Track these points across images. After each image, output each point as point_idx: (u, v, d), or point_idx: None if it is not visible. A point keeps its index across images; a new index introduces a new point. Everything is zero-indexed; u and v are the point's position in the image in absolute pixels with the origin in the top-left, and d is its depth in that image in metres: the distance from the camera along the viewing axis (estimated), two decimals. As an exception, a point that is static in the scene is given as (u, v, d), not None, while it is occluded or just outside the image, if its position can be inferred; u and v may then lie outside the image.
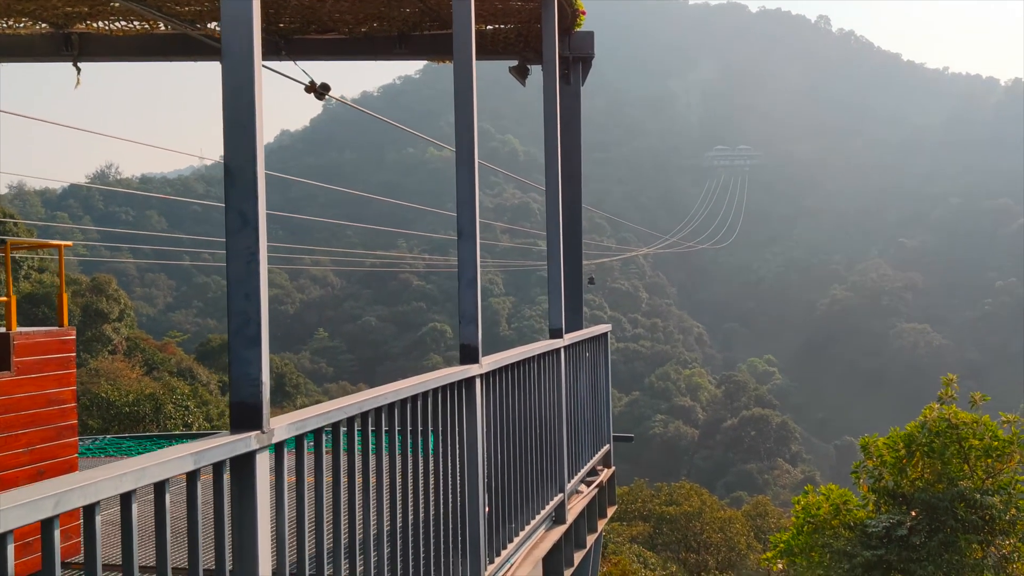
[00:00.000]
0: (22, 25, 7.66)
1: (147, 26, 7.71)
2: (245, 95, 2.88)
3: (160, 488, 2.48)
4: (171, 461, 2.47)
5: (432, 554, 4.37)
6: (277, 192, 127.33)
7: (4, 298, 5.62)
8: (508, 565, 5.66)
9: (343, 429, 3.48)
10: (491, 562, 5.22)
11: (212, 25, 7.68)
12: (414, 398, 4.16)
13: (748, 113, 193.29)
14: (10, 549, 1.98)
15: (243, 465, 2.82)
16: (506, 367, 5.51)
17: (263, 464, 2.88)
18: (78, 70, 8.01)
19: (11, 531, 1.95)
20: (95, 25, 7.68)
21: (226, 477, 2.79)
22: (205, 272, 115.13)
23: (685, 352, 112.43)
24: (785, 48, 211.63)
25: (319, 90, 7.87)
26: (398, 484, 4.01)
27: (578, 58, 8.24)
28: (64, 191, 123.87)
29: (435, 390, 4.41)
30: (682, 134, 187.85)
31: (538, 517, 6.26)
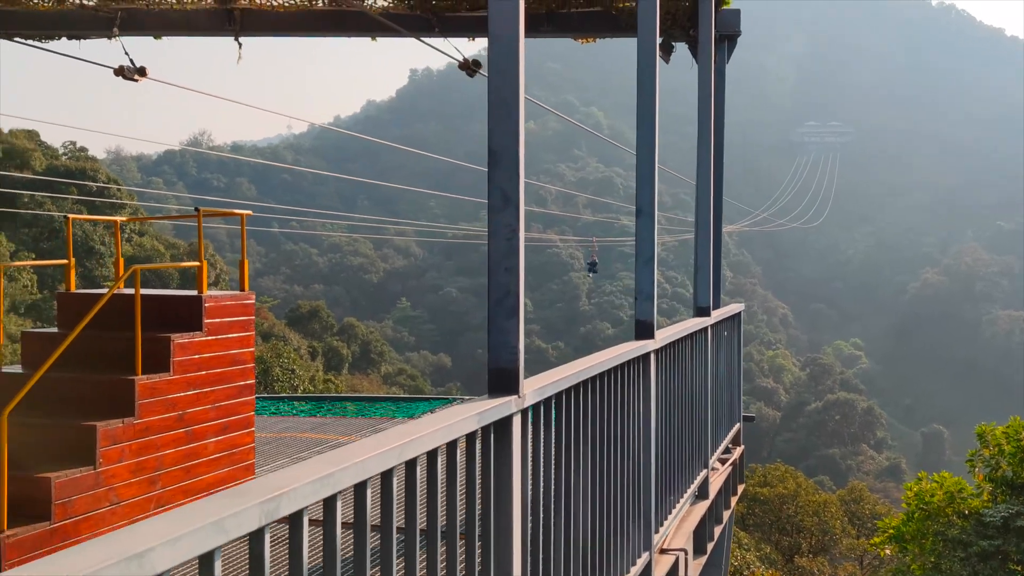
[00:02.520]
0: (190, 1, 8.01)
1: (306, 2, 7.98)
2: (511, 78, 3.05)
3: (452, 446, 2.68)
4: (461, 421, 2.67)
5: (615, 520, 4.54)
6: (364, 163, 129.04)
7: (197, 263, 5.96)
8: (665, 536, 5.82)
9: (562, 398, 3.66)
10: (655, 531, 5.38)
11: (368, 1, 7.91)
12: (610, 371, 4.32)
13: (841, 88, 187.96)
14: (367, 493, 2.19)
15: (502, 427, 3.01)
16: (671, 344, 5.64)
17: (518, 426, 3.08)
18: (239, 45, 8.34)
19: (365, 481, 2.16)
20: (257, 1, 7.98)
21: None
22: (293, 240, 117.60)
23: (769, 333, 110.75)
24: (881, 20, 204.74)
25: (471, 67, 8.05)
26: (594, 453, 4.18)
27: (724, 36, 8.24)
28: (159, 157, 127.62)
29: (622, 364, 4.56)
30: (771, 109, 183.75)
31: (689, 491, 6.40)
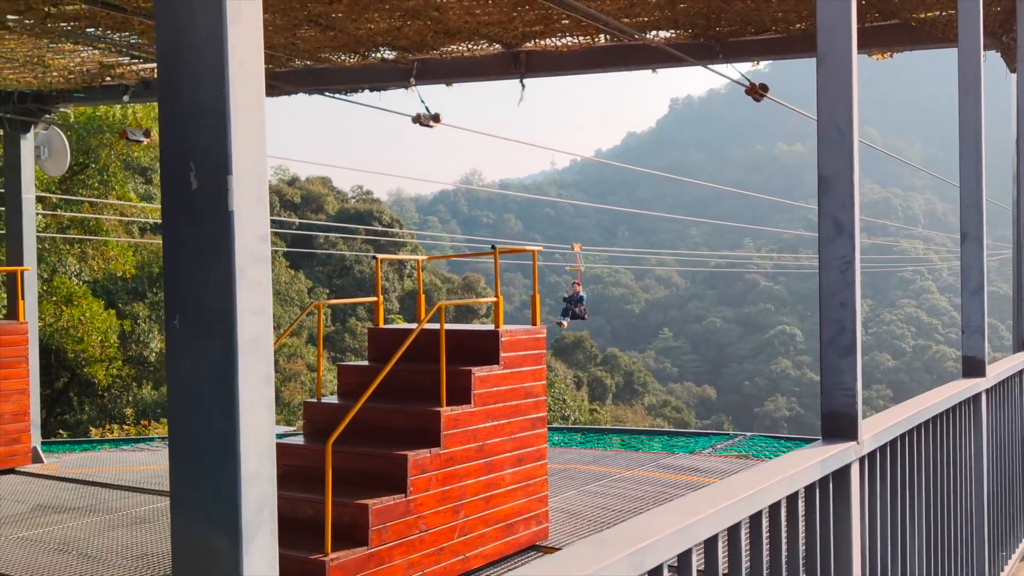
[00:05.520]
0: (479, 47, 8.39)
1: (588, 40, 8.10)
2: (843, 102, 2.85)
3: (793, 498, 2.51)
4: (803, 471, 2.49)
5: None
6: (624, 194, 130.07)
7: (493, 299, 6.15)
8: (998, 596, 5.21)
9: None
10: (988, 592, 4.82)
11: (651, 35, 7.89)
12: (941, 414, 3.93)
13: None
14: (719, 546, 2.07)
15: (840, 476, 2.79)
16: (1002, 382, 5.07)
17: (856, 474, 2.84)
18: (523, 87, 8.62)
19: (716, 534, 2.04)
20: (542, 43, 8.21)
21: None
22: (556, 272, 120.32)
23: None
24: None
25: (759, 91, 7.82)
26: (924, 504, 3.81)
27: (1042, 40, 7.41)
28: (434, 197, 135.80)
29: (953, 407, 4.13)
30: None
31: (1021, 546, 5.71)
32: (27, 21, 7.51)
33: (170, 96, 1.05)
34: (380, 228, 52.42)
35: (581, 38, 8.05)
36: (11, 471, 9.60)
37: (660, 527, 1.83)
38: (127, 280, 24.18)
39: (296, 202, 52.20)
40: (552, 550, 6.21)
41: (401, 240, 55.13)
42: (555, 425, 14.28)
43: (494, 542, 5.82)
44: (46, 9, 7.25)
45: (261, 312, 1.07)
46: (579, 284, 15.76)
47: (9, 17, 7.38)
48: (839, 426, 2.83)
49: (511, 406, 6.04)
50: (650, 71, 8.76)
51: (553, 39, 8.07)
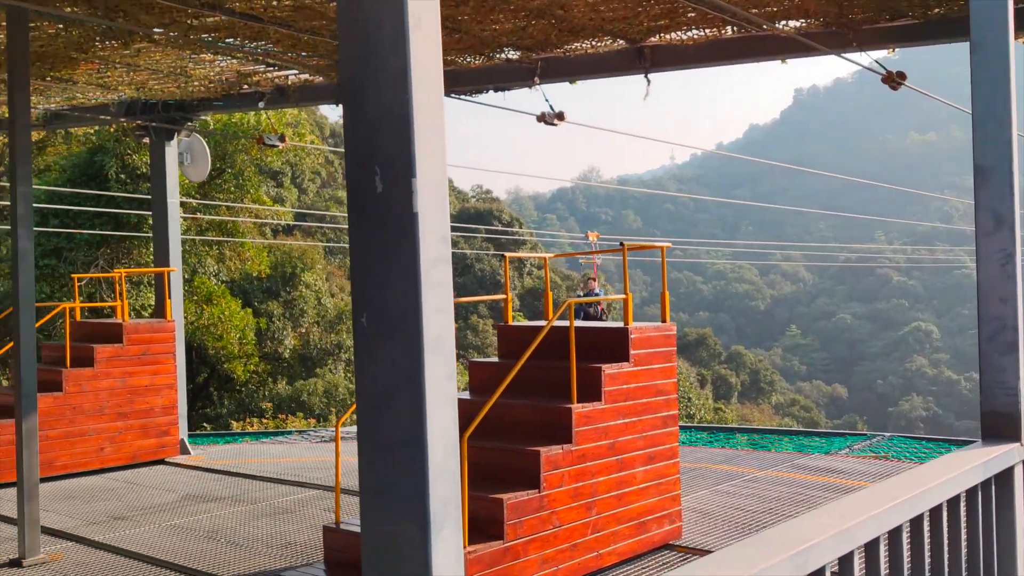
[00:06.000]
0: (603, 44, 8.36)
1: (715, 32, 7.96)
2: (1000, 90, 2.72)
3: (954, 501, 2.41)
4: (964, 473, 2.39)
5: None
6: (747, 188, 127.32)
7: (622, 296, 6.13)
8: None
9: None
10: None
11: (780, 24, 7.70)
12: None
13: None
14: (880, 549, 2.01)
15: (1003, 478, 2.67)
16: None
17: (1020, 477, 2.71)
18: (648, 82, 8.55)
19: (878, 537, 1.98)
20: (667, 37, 8.12)
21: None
22: (677, 268, 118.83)
23: None
24: None
25: (896, 79, 7.53)
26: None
27: None
28: (552, 195, 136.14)
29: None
30: None
31: None
32: (171, 34, 7.91)
33: (356, 102, 1.09)
34: (500, 227, 52.95)
35: (707, 30, 7.92)
36: (161, 462, 10.16)
37: (820, 529, 1.79)
38: (262, 280, 25.17)
39: (419, 202, 53.22)
40: (686, 549, 6.14)
41: (520, 238, 55.50)
42: (680, 423, 14.11)
43: (627, 540, 5.81)
44: (188, 22, 7.62)
45: (444, 311, 1.10)
46: (595, 279, 13.50)
47: (155, 30, 7.79)
48: (1001, 426, 2.71)
49: (641, 403, 6.00)
50: (777, 62, 8.54)
51: (679, 33, 7.97)
